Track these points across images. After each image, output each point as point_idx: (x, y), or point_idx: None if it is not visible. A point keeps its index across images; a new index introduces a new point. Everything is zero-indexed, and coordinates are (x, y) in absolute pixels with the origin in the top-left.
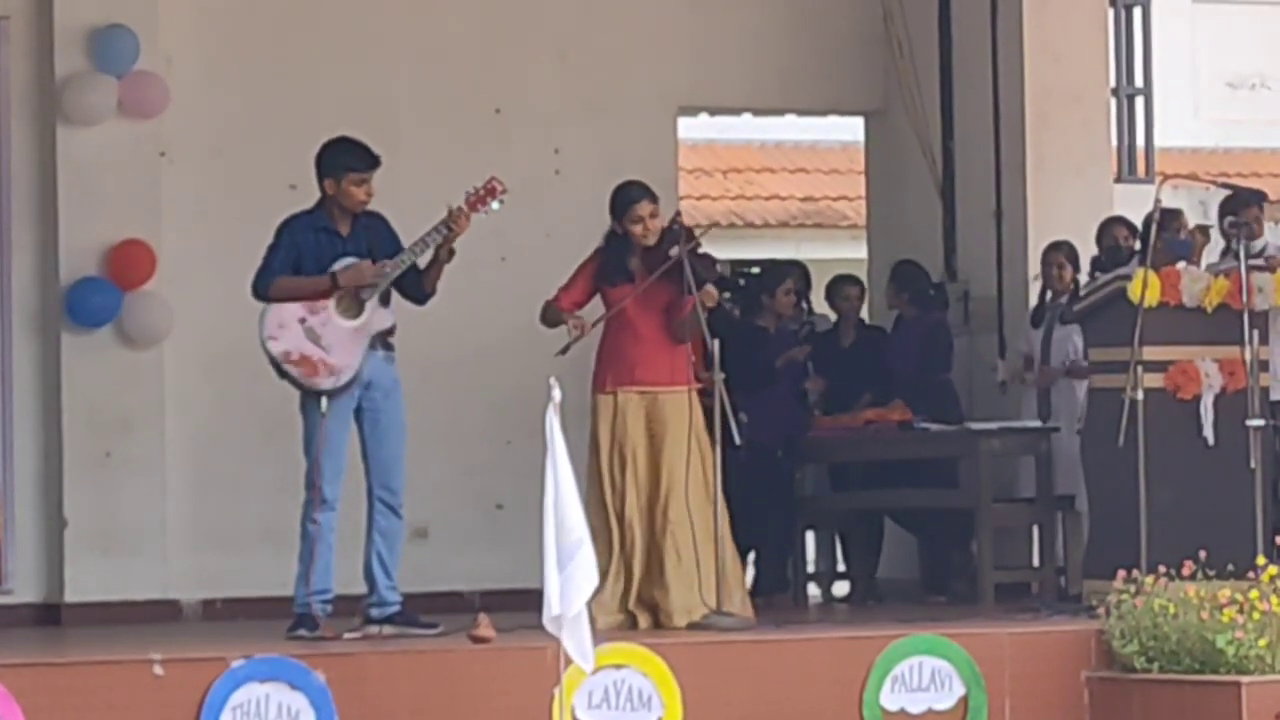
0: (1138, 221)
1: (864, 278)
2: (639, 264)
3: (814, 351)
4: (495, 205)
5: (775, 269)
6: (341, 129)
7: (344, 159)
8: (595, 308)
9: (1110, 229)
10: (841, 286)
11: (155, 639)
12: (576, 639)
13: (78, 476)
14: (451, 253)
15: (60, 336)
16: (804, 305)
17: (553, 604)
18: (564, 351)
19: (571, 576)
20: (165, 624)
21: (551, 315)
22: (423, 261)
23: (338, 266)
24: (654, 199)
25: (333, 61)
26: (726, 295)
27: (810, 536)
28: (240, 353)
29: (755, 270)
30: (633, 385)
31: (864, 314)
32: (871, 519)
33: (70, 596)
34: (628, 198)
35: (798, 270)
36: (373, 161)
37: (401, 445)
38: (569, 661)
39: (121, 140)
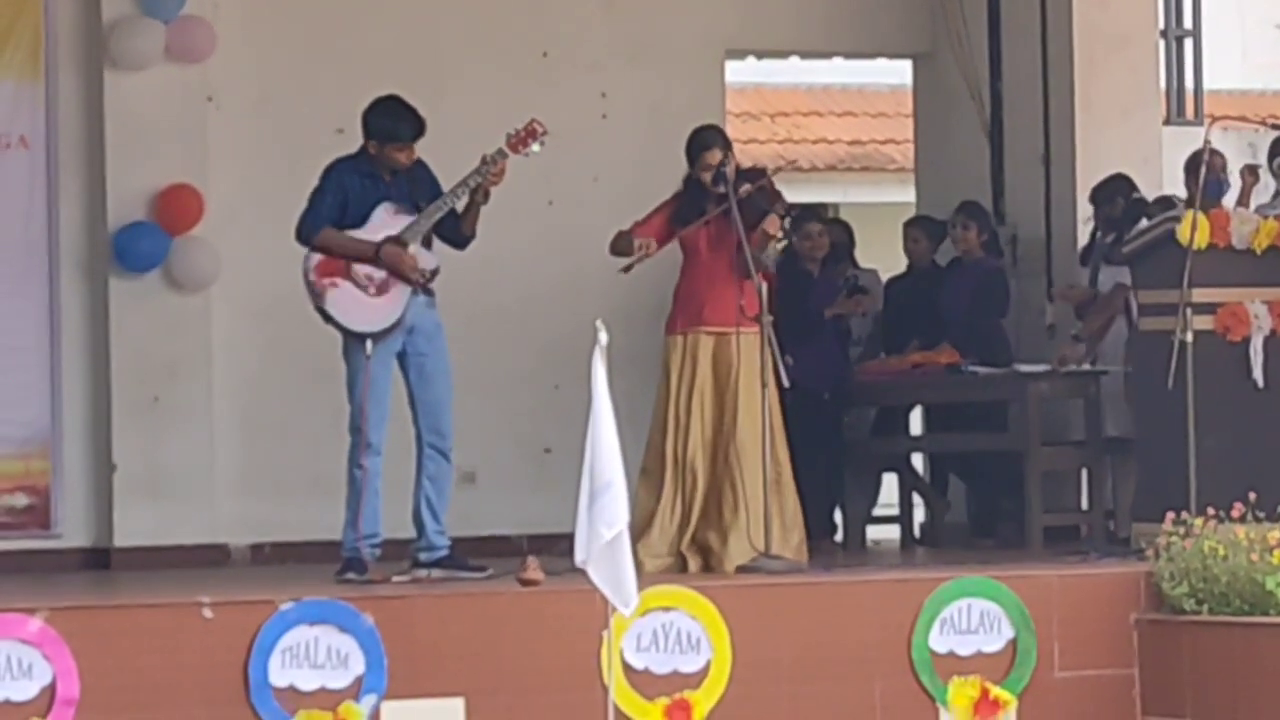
0: (1179, 163)
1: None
2: (714, 208)
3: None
4: (536, 147)
5: (802, 212)
6: (389, 74)
7: (390, 126)
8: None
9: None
10: (909, 229)
11: (204, 583)
12: (612, 581)
13: (126, 421)
14: (487, 195)
15: (108, 281)
16: (849, 260)
17: (580, 547)
18: (627, 269)
19: (593, 520)
20: (214, 568)
21: (622, 243)
22: (460, 206)
23: (378, 235)
24: (725, 146)
25: (380, 5)
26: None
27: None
28: (288, 298)
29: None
30: (702, 326)
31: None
32: (937, 465)
33: (119, 541)
34: (699, 144)
35: (840, 229)
36: (418, 131)
37: (448, 389)
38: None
39: (169, 85)
